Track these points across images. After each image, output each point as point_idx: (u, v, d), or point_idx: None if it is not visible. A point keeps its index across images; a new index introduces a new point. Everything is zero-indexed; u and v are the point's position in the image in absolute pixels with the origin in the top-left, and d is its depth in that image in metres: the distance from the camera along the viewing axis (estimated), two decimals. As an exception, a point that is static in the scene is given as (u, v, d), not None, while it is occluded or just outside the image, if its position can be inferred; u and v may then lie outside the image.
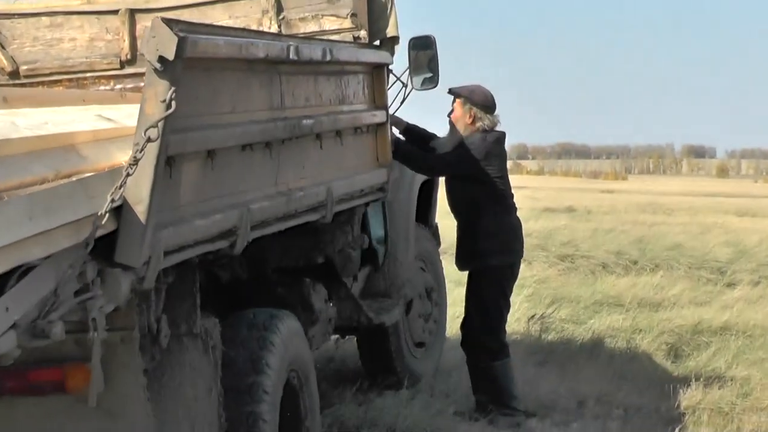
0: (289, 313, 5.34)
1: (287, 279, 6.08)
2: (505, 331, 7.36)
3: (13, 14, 6.70)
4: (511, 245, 7.25)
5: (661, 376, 8.26)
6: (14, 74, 6.72)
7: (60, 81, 6.67)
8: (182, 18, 6.17)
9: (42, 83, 6.66)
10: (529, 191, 38.28)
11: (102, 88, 6.63)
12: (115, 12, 6.71)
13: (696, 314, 10.67)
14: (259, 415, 4.78)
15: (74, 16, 6.69)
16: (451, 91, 7.32)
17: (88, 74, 6.72)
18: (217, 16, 6.52)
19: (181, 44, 3.59)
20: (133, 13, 6.69)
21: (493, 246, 7.16)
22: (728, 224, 23.92)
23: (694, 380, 7.76)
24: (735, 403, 7.39)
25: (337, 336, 7.99)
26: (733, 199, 44.06)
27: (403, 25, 6.71)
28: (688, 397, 7.47)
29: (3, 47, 6.72)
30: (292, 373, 5.21)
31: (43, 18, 6.71)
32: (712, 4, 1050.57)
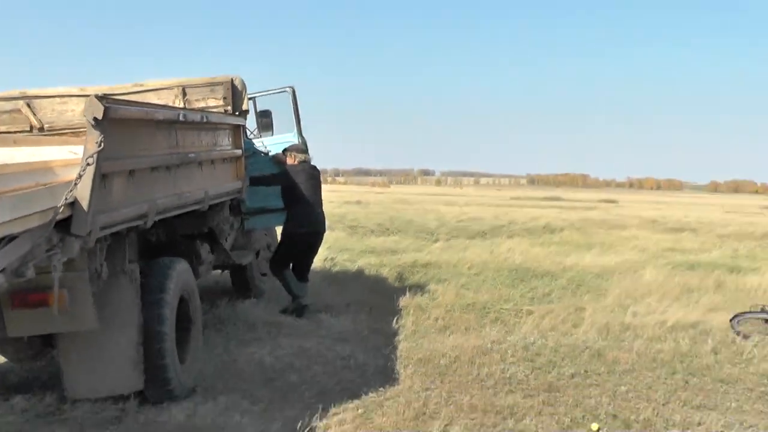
0: (181, 260, 5.12)
1: (187, 240, 5.86)
2: (286, 263, 7.09)
3: (40, 96, 6.32)
4: (295, 227, 6.99)
5: (391, 289, 8.33)
6: (41, 129, 6.29)
7: (66, 133, 6.28)
8: (131, 99, 5.94)
9: (56, 134, 6.25)
10: (339, 193, 38.41)
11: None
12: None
13: (414, 256, 10.80)
14: (164, 315, 4.58)
15: (74, 98, 6.33)
16: (284, 150, 7.15)
17: (82, 130, 6.33)
18: (151, 98, 6.23)
19: (106, 110, 3.46)
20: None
21: (287, 226, 7.04)
22: (438, 210, 24.48)
23: (408, 291, 7.85)
24: (428, 303, 7.51)
25: (219, 270, 7.79)
26: (443, 196, 45.20)
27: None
28: (404, 300, 7.55)
29: (35, 114, 6.31)
30: (183, 292, 5.01)
31: (56, 98, 6.33)
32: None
